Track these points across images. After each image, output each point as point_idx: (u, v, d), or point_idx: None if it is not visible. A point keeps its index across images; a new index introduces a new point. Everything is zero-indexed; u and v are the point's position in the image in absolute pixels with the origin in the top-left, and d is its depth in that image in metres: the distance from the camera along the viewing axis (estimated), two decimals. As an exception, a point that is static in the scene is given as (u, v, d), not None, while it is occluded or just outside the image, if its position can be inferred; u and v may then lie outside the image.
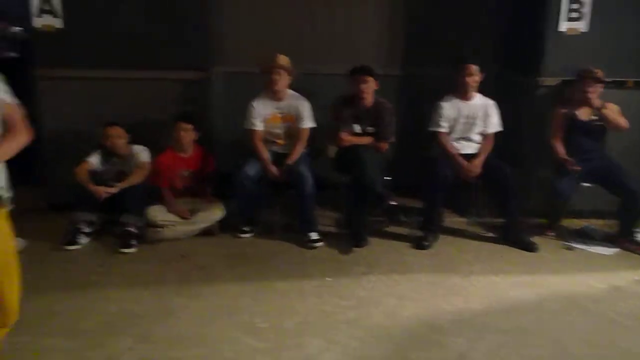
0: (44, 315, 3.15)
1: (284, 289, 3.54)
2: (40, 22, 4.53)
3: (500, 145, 4.50)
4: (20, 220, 4.16)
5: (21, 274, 3.64)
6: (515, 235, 4.31)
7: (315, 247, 4.19)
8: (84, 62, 4.53)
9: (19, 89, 5.42)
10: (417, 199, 4.75)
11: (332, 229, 4.54)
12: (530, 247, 4.23)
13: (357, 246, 4.20)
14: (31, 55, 4.67)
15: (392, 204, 4.71)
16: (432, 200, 4.33)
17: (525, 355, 2.88)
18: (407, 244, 4.30)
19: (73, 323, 3.08)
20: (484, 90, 4.44)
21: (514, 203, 4.27)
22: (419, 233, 4.37)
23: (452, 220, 4.73)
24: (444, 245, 4.30)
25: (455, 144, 4.44)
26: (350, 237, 4.28)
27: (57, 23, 4.53)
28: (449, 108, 4.41)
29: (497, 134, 4.46)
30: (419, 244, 4.25)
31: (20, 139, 2.26)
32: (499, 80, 4.87)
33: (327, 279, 3.70)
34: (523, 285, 3.67)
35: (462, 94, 4.40)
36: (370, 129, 4.46)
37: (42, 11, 4.52)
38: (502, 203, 4.35)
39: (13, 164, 5.50)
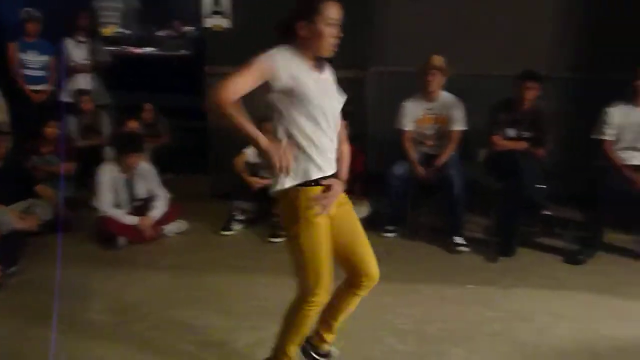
0: (203, 294, 3.44)
1: (427, 293, 3.51)
2: (210, 22, 4.90)
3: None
4: (186, 206, 4.65)
5: (186, 255, 4.03)
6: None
7: (460, 252, 4.10)
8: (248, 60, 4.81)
9: (191, 84, 5.97)
10: (576, 210, 4.45)
11: (480, 235, 4.41)
12: None
13: (504, 255, 4.05)
14: (202, 53, 5.08)
15: (547, 214, 4.46)
16: (595, 213, 4.03)
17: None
18: (560, 257, 4.06)
19: (231, 304, 3.32)
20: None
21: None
22: (574, 247, 4.10)
23: (614, 236, 4.33)
24: (602, 263, 3.99)
25: (621, 153, 4.09)
26: (498, 245, 4.13)
27: (225, 23, 4.87)
28: (617, 115, 4.08)
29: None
30: (574, 259, 3.99)
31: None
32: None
33: (468, 286, 3.60)
34: (695, 316, 3.29)
35: (634, 99, 4.04)
36: (526, 134, 4.27)
37: (213, 12, 4.88)
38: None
39: (185, 155, 6.03)
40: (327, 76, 2.31)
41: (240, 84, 2.07)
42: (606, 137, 4.10)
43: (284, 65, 2.14)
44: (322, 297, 2.30)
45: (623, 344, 2.97)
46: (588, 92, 4.73)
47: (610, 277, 3.78)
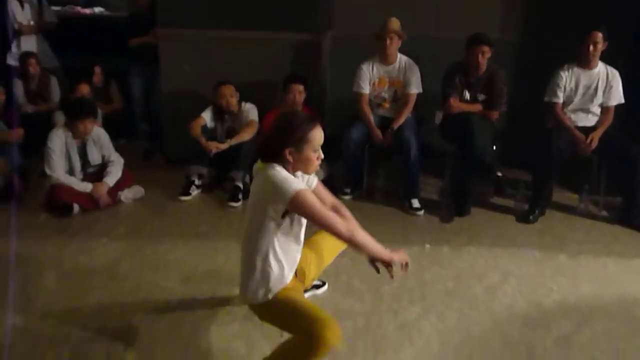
0: (161, 261, 3.42)
1: (383, 254, 3.56)
2: (162, -17, 4.72)
3: (625, 120, 4.20)
4: (140, 172, 4.57)
5: (143, 222, 3.98)
6: (634, 216, 4.04)
7: (416, 214, 4.18)
8: (201, 23, 4.69)
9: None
10: (525, 171, 4.59)
11: (435, 197, 4.50)
12: (649, 230, 3.97)
13: (459, 215, 4.15)
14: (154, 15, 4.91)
15: (499, 175, 4.57)
16: (544, 174, 4.15)
17: (634, 345, 2.74)
18: (512, 217, 4.19)
19: (187, 270, 3.31)
20: (613, 59, 4.14)
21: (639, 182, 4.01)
22: (524, 206, 4.22)
23: (562, 195, 4.51)
24: (551, 221, 4.14)
25: (572, 115, 4.21)
26: (452, 206, 4.23)
27: (177, -15, 4.70)
28: (567, 77, 4.18)
29: (619, 107, 4.17)
30: (524, 218, 4.12)
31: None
32: (631, 50, 4.52)
33: (426, 245, 3.69)
34: (638, 271, 3.46)
35: (584, 62, 4.14)
36: (481, 97, 4.33)
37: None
38: (624, 181, 4.09)
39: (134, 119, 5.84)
40: None
41: (323, 211, 2.29)
42: (557, 100, 4.20)
43: None
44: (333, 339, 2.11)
45: (570, 300, 3.11)
46: (537, 56, 4.80)
47: (558, 235, 3.93)
